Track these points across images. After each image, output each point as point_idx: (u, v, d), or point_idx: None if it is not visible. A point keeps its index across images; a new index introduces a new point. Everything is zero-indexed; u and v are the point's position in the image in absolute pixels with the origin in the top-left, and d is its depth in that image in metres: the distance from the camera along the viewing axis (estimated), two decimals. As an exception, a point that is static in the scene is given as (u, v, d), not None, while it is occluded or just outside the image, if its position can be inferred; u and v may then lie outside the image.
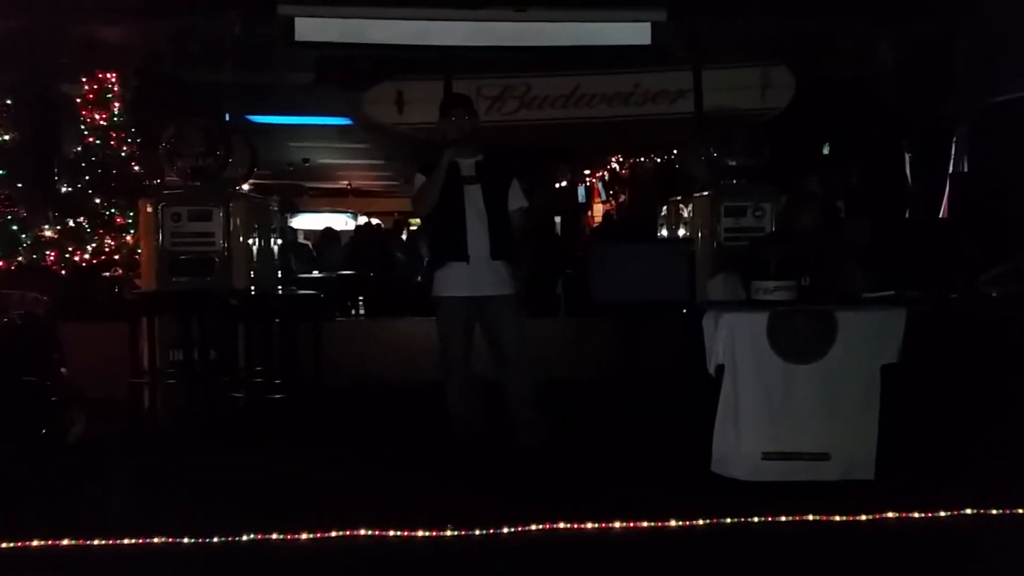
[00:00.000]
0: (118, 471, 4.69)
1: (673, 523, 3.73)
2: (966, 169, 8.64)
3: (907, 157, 9.24)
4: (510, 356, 4.86)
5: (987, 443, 4.54)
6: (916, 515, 3.83)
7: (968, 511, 3.84)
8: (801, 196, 5.29)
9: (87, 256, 8.13)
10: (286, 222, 13.17)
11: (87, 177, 8.43)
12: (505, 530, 3.66)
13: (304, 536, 3.61)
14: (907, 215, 9.14)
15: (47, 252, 7.81)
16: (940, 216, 8.58)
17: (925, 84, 8.58)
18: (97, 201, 8.39)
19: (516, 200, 4.87)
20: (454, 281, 4.79)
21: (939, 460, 4.52)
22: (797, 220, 4.82)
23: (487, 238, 4.73)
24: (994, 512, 3.84)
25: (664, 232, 7.55)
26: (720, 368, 4.18)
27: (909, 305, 4.29)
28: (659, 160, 11.92)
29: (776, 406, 4.15)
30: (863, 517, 3.80)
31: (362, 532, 3.64)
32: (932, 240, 6.95)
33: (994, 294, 5.25)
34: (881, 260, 5.29)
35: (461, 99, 5.16)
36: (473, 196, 4.76)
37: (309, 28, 7.55)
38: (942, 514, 3.83)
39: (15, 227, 7.33)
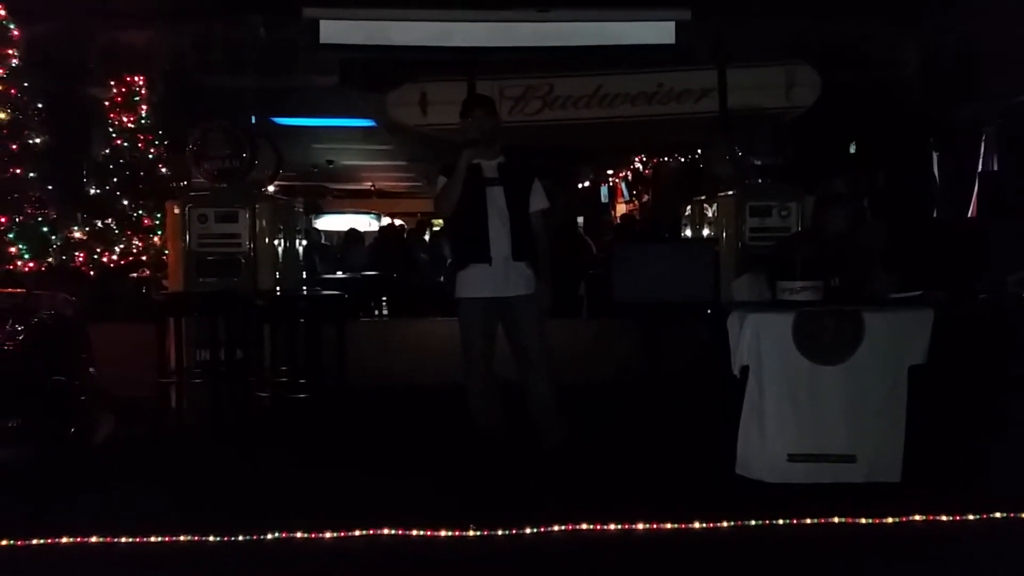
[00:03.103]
0: (145, 470, 4.74)
1: (697, 525, 3.71)
2: (995, 168, 8.53)
3: (935, 156, 9.14)
4: (532, 357, 4.85)
5: (1016, 446, 4.47)
6: (944, 518, 3.78)
7: (997, 514, 3.79)
8: (831, 197, 5.24)
9: (115, 257, 8.23)
10: (311, 223, 13.26)
11: (115, 179, 8.56)
12: (528, 530, 3.66)
13: (328, 535, 3.63)
14: (935, 214, 9.04)
15: (76, 253, 7.92)
16: (968, 216, 8.48)
17: (951, 84, 8.48)
18: (125, 203, 8.50)
19: (537, 201, 4.86)
20: (476, 282, 4.79)
21: (967, 463, 4.46)
22: (826, 221, 4.78)
23: (508, 239, 4.73)
24: (1024, 516, 3.80)
25: (688, 232, 7.52)
26: (745, 369, 4.15)
27: (936, 306, 4.24)
28: (683, 160, 11.87)
29: (802, 407, 4.12)
30: (889, 520, 3.76)
31: (385, 531, 3.65)
32: (959, 240, 6.86)
33: (1023, 294, 5.17)
34: (908, 260, 5.23)
35: (479, 100, 5.15)
36: (495, 197, 4.75)
37: (334, 31, 7.60)
38: (970, 517, 3.79)
39: (45, 229, 7.42)
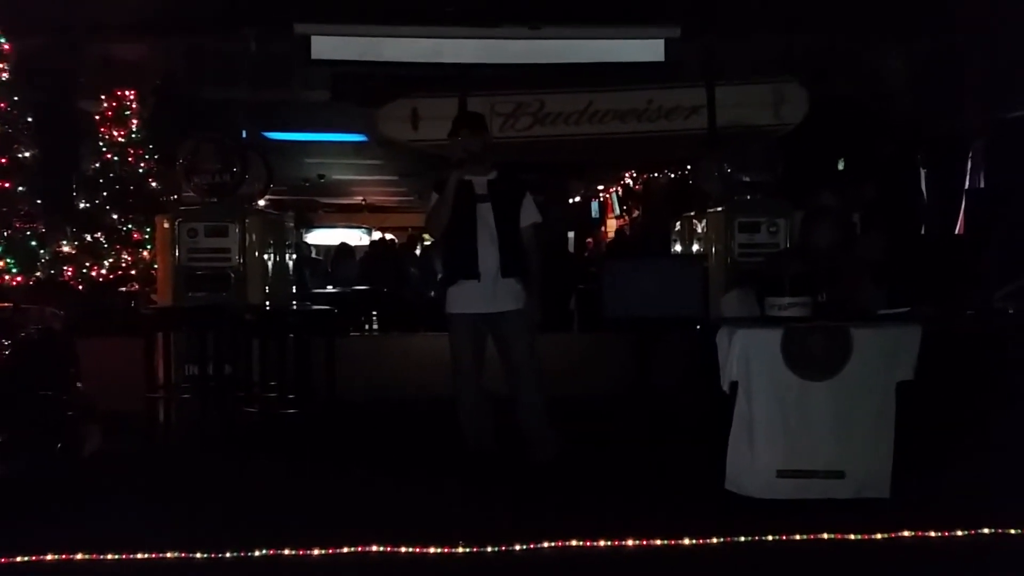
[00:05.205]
0: (132, 485, 4.71)
1: (687, 541, 3.71)
2: (982, 184, 8.59)
3: (922, 172, 9.20)
4: (521, 371, 4.86)
5: (1004, 461, 4.48)
6: (932, 534, 3.78)
7: (986, 530, 3.80)
8: (818, 211, 5.28)
9: (104, 271, 8.19)
10: (301, 237, 13.25)
11: (105, 193, 8.52)
12: (517, 547, 3.64)
13: (316, 552, 3.61)
14: (922, 230, 9.10)
15: (65, 267, 7.88)
16: (956, 232, 8.53)
17: (938, 99, 8.56)
18: (114, 217, 8.47)
19: (529, 216, 4.89)
20: (465, 298, 4.81)
21: (955, 478, 4.45)
22: (814, 237, 4.80)
23: (497, 256, 4.75)
24: (1012, 532, 3.80)
25: (678, 248, 7.54)
26: (734, 385, 4.16)
27: (924, 322, 4.26)
28: (673, 176, 11.92)
29: (790, 423, 4.13)
30: (878, 536, 3.76)
31: (374, 548, 3.63)
32: (948, 256, 6.91)
33: (1011, 310, 5.21)
34: (896, 276, 5.26)
35: (467, 120, 5.15)
36: (485, 214, 4.78)
37: (325, 46, 7.63)
38: (959, 533, 3.79)
39: (34, 243, 7.40)
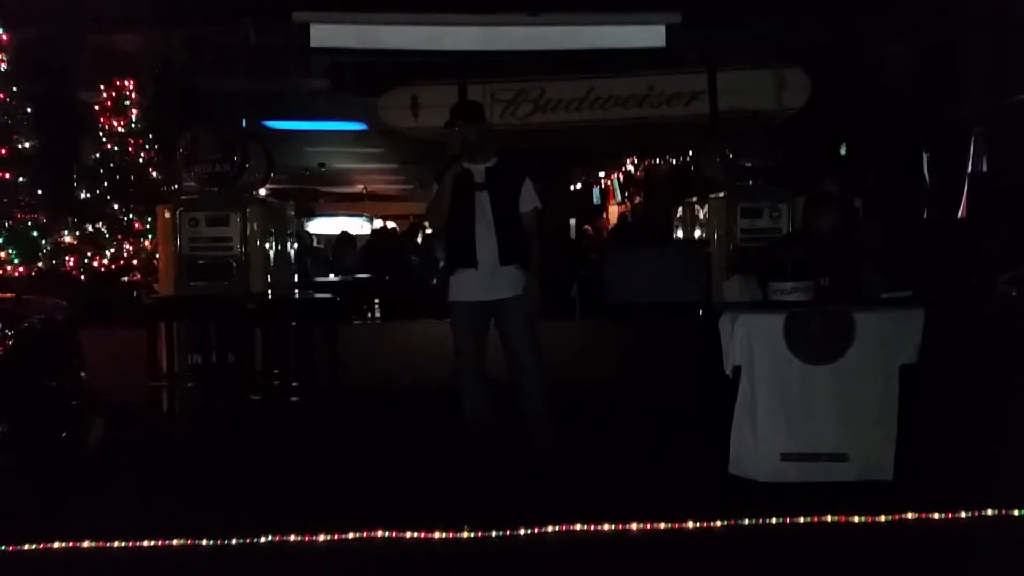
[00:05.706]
0: (137, 474, 4.72)
1: (691, 524, 3.72)
2: (985, 169, 8.58)
3: (925, 157, 9.19)
4: (522, 359, 4.85)
5: (1007, 443, 4.49)
6: (936, 516, 3.79)
7: (989, 512, 3.81)
8: (820, 197, 5.27)
9: (106, 261, 8.21)
10: (302, 226, 13.25)
11: (105, 183, 8.54)
12: (522, 531, 3.66)
13: (322, 538, 3.62)
14: (925, 215, 9.09)
15: (67, 258, 7.90)
16: (958, 216, 8.53)
17: (941, 85, 8.53)
18: (115, 207, 8.49)
19: (528, 201, 4.87)
20: (465, 286, 4.80)
21: (959, 461, 4.47)
22: (816, 222, 4.80)
23: (495, 244, 4.74)
24: (1016, 513, 3.81)
25: (680, 233, 7.53)
26: (737, 369, 4.17)
27: (927, 305, 4.26)
28: (674, 161, 11.90)
29: (794, 407, 4.13)
30: (882, 518, 3.77)
31: (379, 534, 3.65)
32: (950, 240, 6.90)
33: (1013, 294, 5.21)
34: (899, 260, 5.26)
35: (462, 110, 5.08)
36: (482, 202, 4.76)
37: (324, 34, 7.60)
38: (962, 515, 3.80)
39: (35, 233, 7.41)
